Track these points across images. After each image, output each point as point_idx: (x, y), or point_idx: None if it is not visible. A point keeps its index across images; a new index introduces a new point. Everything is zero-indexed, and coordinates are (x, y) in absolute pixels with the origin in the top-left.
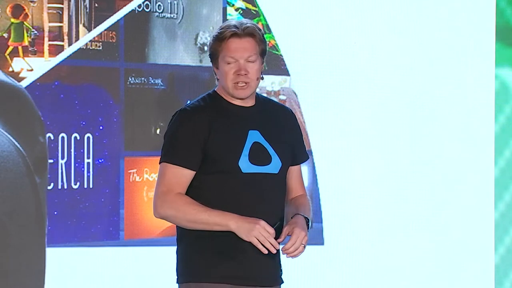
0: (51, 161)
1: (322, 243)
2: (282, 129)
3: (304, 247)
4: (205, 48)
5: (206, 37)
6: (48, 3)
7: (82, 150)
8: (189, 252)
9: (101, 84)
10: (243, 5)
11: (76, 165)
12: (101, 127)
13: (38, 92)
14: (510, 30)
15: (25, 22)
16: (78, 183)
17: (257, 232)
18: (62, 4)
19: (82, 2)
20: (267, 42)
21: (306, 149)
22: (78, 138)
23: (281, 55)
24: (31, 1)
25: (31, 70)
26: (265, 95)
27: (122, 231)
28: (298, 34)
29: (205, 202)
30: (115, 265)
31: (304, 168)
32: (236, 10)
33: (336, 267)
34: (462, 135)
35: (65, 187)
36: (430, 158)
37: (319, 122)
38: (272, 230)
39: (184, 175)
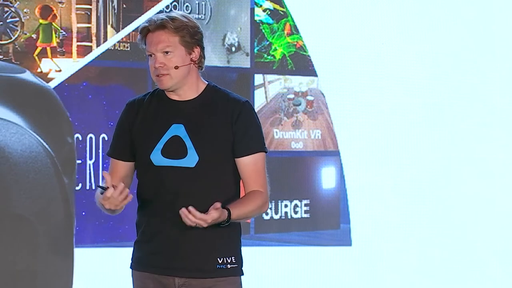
0: (79, 161)
1: (350, 244)
2: (218, 123)
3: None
4: (233, 48)
5: (233, 38)
6: (77, 4)
7: None
8: None
9: (129, 85)
10: (271, 6)
11: (104, 165)
12: None
13: (66, 93)
14: None
15: (53, 23)
16: None
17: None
18: (91, 5)
19: (110, 3)
20: (195, 29)
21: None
22: (106, 138)
23: (308, 55)
24: (60, 2)
25: (60, 70)
26: (291, 95)
27: None
28: (326, 35)
29: (138, 194)
30: None
31: (332, 169)
32: (264, 11)
33: (363, 268)
34: (492, 136)
35: (93, 187)
36: (460, 159)
37: (347, 123)
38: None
39: (116, 165)
